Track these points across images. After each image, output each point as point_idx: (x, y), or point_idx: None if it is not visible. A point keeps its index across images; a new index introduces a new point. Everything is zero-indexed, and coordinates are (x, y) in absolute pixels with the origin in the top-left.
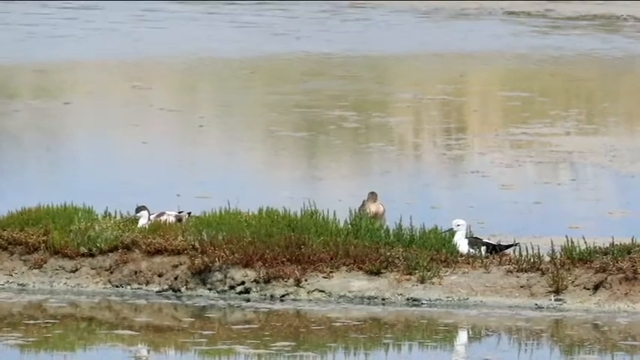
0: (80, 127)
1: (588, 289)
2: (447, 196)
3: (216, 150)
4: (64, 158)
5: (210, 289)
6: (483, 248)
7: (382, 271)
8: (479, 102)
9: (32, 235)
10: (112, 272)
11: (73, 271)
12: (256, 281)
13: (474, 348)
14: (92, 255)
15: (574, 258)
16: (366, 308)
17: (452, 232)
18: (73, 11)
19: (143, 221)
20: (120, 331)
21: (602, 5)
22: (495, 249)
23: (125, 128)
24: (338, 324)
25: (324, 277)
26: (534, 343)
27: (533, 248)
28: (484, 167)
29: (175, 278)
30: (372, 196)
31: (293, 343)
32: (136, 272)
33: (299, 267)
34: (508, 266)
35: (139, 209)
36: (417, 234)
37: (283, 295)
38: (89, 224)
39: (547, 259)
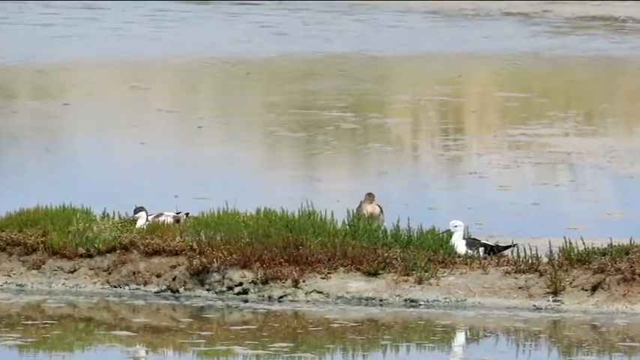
0: (79, 128)
1: (586, 290)
2: (444, 196)
3: (214, 151)
4: (63, 159)
5: (208, 290)
6: (481, 249)
7: (380, 272)
8: (477, 103)
9: (31, 236)
10: (110, 273)
11: (72, 272)
12: (254, 282)
13: (471, 349)
14: (90, 256)
15: (572, 259)
16: (364, 309)
17: (449, 233)
18: (73, 11)
19: (141, 222)
20: (118, 332)
21: (601, 6)
22: (493, 250)
23: (124, 129)
24: (336, 325)
25: (321, 278)
26: (532, 345)
27: (531, 249)
28: (482, 168)
29: (173, 279)
30: (369, 197)
31: (291, 344)
32: (134, 273)
33: (297, 268)
34: (506, 267)
35: (137, 210)
36: (415, 235)
37: (281, 296)
38: (87, 225)
39: (545, 260)
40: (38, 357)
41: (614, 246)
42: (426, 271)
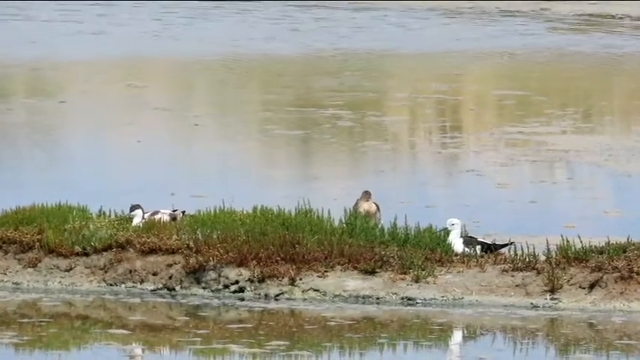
0: (75, 126)
1: (584, 288)
2: (442, 195)
3: (210, 149)
4: (59, 157)
5: (204, 288)
6: (478, 247)
7: (377, 270)
8: (474, 100)
9: (26, 234)
10: (106, 271)
11: (68, 270)
12: (251, 280)
13: (468, 347)
14: (86, 254)
15: (569, 257)
16: (361, 307)
17: (446, 232)
18: (72, 11)
19: (137, 220)
20: (114, 330)
21: (598, 5)
22: (490, 248)
23: (120, 127)
24: (332, 323)
25: (318, 277)
26: (529, 343)
27: (528, 247)
28: (479, 166)
29: (170, 277)
30: (366, 194)
31: (287, 343)
32: (130, 271)
33: (293, 266)
34: (503, 265)
35: (133, 208)
36: (412, 233)
37: (278, 295)
38: (83, 223)
39: (542, 258)
40: (34, 355)
41: (612, 244)
42: (423, 270)
